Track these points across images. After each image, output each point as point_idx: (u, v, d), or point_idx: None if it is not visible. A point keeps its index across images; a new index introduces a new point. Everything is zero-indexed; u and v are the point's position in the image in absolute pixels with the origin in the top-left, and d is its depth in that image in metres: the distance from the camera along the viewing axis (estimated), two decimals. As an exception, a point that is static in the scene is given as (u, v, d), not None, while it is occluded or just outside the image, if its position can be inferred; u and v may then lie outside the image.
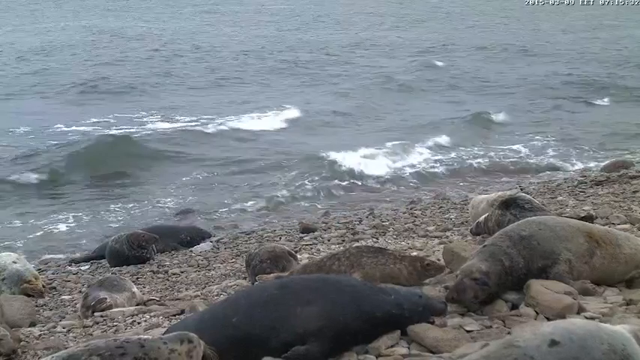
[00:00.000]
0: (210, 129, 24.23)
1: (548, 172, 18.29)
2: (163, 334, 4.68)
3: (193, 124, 25.07)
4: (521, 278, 5.48)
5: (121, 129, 24.04)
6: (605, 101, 29.20)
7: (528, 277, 5.47)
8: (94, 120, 25.62)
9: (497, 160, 20.01)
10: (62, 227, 15.03)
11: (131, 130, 23.78)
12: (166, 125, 24.94)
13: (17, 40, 48.22)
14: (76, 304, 9.07)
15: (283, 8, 78.55)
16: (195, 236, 13.03)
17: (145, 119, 26.02)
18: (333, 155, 19.59)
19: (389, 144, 21.31)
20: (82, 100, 29.73)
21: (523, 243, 5.56)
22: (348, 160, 19.37)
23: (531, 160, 19.93)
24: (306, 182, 17.99)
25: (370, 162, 19.47)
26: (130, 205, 16.59)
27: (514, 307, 5.38)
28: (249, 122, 25.34)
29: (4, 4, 78.64)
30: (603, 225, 7.63)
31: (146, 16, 68.73)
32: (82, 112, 27.10)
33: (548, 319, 4.87)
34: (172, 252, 12.37)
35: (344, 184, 18.00)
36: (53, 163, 19.63)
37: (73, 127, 24.46)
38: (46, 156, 20.43)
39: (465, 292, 5.27)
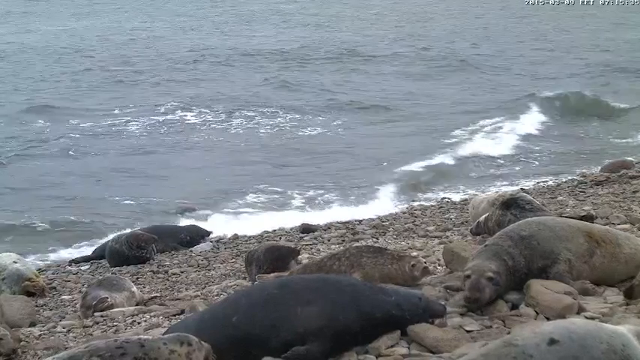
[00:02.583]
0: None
1: (549, 173, 18.18)
2: (163, 334, 4.69)
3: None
4: (522, 278, 5.48)
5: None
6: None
7: (529, 277, 5.47)
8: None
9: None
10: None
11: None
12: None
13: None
14: (76, 304, 9.07)
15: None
16: (195, 236, 13.01)
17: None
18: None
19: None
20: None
21: (523, 243, 5.56)
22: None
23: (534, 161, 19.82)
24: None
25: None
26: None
27: (514, 307, 5.37)
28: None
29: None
30: (603, 225, 7.63)
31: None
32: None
33: (548, 319, 4.87)
34: (172, 252, 12.37)
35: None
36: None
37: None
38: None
39: (484, 291, 5.26)
